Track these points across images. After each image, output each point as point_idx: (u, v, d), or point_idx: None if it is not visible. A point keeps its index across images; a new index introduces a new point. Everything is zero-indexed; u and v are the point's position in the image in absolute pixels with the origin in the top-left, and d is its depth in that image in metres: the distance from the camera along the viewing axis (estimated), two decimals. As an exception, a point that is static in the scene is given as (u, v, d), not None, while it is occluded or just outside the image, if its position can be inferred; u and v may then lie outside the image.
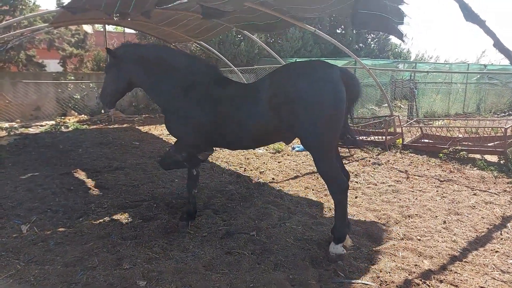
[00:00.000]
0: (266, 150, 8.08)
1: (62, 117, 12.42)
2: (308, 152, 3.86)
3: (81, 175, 6.04)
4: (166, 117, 3.89)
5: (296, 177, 6.08)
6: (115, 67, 3.97)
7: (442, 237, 3.78)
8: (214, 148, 4.13)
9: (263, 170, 6.48)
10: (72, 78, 13.71)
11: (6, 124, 11.15)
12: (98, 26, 17.74)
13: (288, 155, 7.74)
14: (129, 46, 4.08)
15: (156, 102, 4.08)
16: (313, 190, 5.38)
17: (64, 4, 5.05)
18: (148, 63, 3.88)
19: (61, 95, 13.23)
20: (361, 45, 23.16)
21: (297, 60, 13.56)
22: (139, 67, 3.90)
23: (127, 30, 13.25)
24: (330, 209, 4.51)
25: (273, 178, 5.98)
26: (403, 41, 4.50)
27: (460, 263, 3.27)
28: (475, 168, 6.42)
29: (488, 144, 7.29)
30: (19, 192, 5.08)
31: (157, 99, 4.01)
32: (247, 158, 7.38)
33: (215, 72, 3.89)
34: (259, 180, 5.86)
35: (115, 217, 4.29)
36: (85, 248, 3.47)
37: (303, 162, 7.07)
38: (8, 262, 3.21)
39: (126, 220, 4.17)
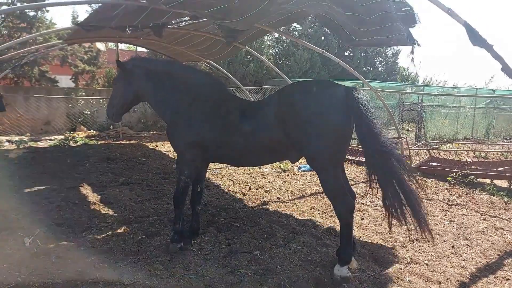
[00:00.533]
0: (272, 169, 8.05)
1: (72, 132, 12.59)
2: (314, 172, 3.81)
3: (87, 189, 6.06)
4: (170, 131, 3.88)
5: (301, 197, 6.03)
6: (123, 79, 4.02)
7: (450, 262, 3.68)
8: (219, 165, 4.11)
9: (268, 189, 6.44)
10: (83, 94, 13.98)
11: (16, 138, 11.33)
12: (111, 44, 18.18)
13: (294, 174, 7.70)
14: (138, 59, 4.15)
15: (161, 116, 4.09)
16: (318, 210, 5.32)
17: (79, 22, 5.22)
18: (156, 77, 3.92)
19: (71, 110, 13.46)
20: (369, 67, 23.36)
21: (305, 81, 13.65)
22: (147, 80, 3.94)
23: (139, 49, 13.55)
24: (336, 231, 4.43)
25: (278, 198, 5.93)
26: (417, 43, 4.39)
27: (469, 290, 3.17)
28: (484, 193, 6.30)
29: (498, 169, 7.18)
30: (25, 204, 5.10)
31: (162, 113, 4.00)
32: (253, 177, 7.35)
33: (222, 88, 3.92)
34: (264, 199, 5.81)
35: (118, 232, 4.26)
36: (87, 262, 3.44)
37: (309, 182, 7.02)
38: (9, 274, 3.18)
39: (129, 235, 4.13)
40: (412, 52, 4.43)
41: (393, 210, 3.03)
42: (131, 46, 15.58)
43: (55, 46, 10.47)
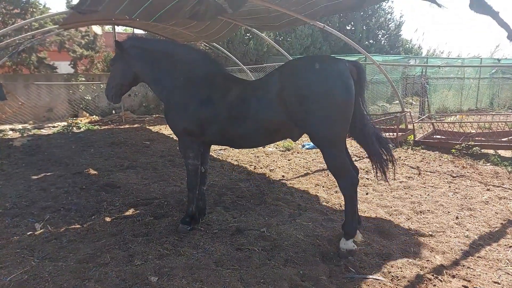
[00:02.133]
0: (276, 148, 8.07)
1: (74, 118, 12.61)
2: (318, 150, 3.83)
3: (93, 174, 6.13)
4: (168, 111, 3.84)
5: (306, 174, 6.06)
6: (121, 60, 3.96)
7: (454, 233, 3.73)
8: (223, 146, 4.08)
9: (273, 168, 6.48)
10: (83, 79, 13.91)
11: (20, 126, 11.38)
12: (108, 27, 17.93)
13: (298, 152, 7.72)
14: (136, 39, 4.08)
15: (158, 96, 4.04)
16: (323, 187, 5.36)
17: (73, 5, 5.11)
18: (153, 57, 3.86)
19: (72, 97, 13.43)
20: (371, 41, 22.95)
21: (306, 57, 13.46)
22: (144, 60, 3.88)
23: (136, 31, 13.34)
24: (341, 206, 4.49)
25: (283, 176, 5.97)
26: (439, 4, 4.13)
27: (473, 258, 3.22)
28: (488, 164, 6.31)
29: (502, 139, 7.15)
30: (33, 191, 5.18)
31: (160, 92, 3.94)
32: (257, 156, 7.38)
33: (220, 68, 3.86)
34: (269, 178, 5.85)
35: (126, 214, 4.34)
36: (97, 245, 3.52)
37: (313, 160, 7.04)
38: (23, 259, 3.27)
39: (138, 217, 4.21)
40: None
41: (377, 162, 3.59)
42: (128, 28, 15.37)
43: (52, 31, 10.33)
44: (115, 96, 4.13)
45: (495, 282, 2.86)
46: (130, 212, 4.42)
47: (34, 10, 13.51)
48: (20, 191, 5.17)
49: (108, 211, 4.46)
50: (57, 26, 8.88)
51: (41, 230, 3.90)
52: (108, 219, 4.21)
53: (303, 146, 8.14)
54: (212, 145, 4.23)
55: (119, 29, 16.13)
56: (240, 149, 7.77)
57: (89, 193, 5.10)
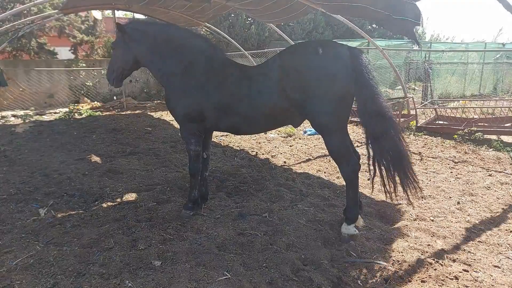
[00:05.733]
0: (278, 134, 8.06)
1: (76, 104, 12.57)
2: (320, 136, 3.79)
3: (95, 160, 6.15)
4: (168, 96, 3.81)
5: (308, 160, 6.07)
6: (123, 43, 3.92)
7: (455, 218, 3.75)
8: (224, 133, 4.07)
9: (274, 154, 6.48)
10: (84, 65, 13.82)
11: (21, 112, 11.37)
12: (108, 12, 17.70)
13: (299, 139, 7.71)
14: (137, 22, 4.05)
15: (159, 80, 4.00)
16: (325, 173, 5.37)
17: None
18: (154, 41, 3.81)
19: (73, 83, 13.37)
20: (374, 26, 22.59)
21: (308, 42, 13.32)
22: (144, 44, 3.83)
23: (136, 15, 13.18)
24: (342, 191, 4.50)
25: (284, 162, 5.98)
26: (418, 43, 4.29)
27: (473, 243, 3.25)
28: (490, 149, 6.29)
29: (505, 125, 7.12)
30: (36, 177, 5.21)
31: (160, 77, 3.91)
32: (259, 143, 7.38)
33: (219, 53, 3.80)
34: (271, 164, 5.86)
35: (129, 200, 4.37)
36: (101, 230, 3.55)
37: (314, 146, 7.04)
38: (28, 243, 3.31)
39: (141, 203, 4.24)
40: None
41: (381, 170, 3.15)
42: (128, 13, 15.16)
43: (51, 16, 10.22)
44: (116, 79, 4.10)
45: (495, 266, 2.88)
46: (133, 197, 4.45)
47: (33, -6, 13.33)
48: (24, 177, 5.20)
49: (111, 196, 4.49)
50: (56, 11, 8.76)
51: (45, 216, 3.93)
52: (111, 204, 4.24)
53: (305, 132, 8.13)
54: (214, 131, 4.22)
55: (119, 13, 15.90)
56: (241, 135, 7.76)
57: (92, 179, 5.12)
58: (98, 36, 16.01)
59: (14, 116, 10.95)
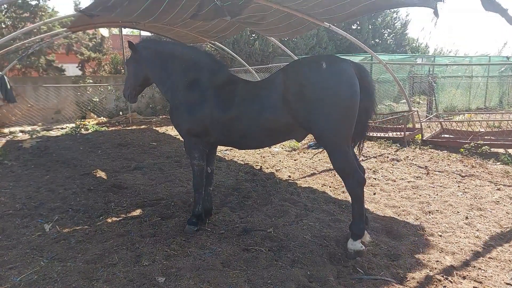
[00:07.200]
0: (282, 148, 8.05)
1: (82, 120, 12.71)
2: (324, 150, 3.77)
3: (100, 175, 6.17)
4: (173, 111, 3.87)
5: (312, 174, 6.04)
6: (135, 61, 4.09)
7: (464, 233, 3.68)
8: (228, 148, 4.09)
9: (279, 168, 6.46)
10: (91, 81, 14.03)
11: (29, 128, 11.51)
12: (115, 30, 18.07)
13: (304, 152, 7.70)
14: (147, 41, 4.21)
15: (165, 96, 4.10)
16: (330, 187, 5.33)
17: (81, 8, 5.16)
18: (161, 58, 3.93)
19: (80, 98, 13.55)
20: (377, 40, 22.81)
21: (312, 57, 13.44)
22: (153, 61, 3.97)
23: (143, 33, 13.43)
24: (348, 206, 4.45)
25: (289, 176, 5.95)
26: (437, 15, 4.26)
27: (484, 259, 3.17)
28: (498, 163, 6.22)
29: (512, 138, 7.05)
30: (42, 192, 5.23)
31: (165, 93, 4.00)
32: (263, 157, 7.37)
33: (224, 69, 3.86)
34: (275, 178, 5.84)
35: (134, 215, 4.35)
36: (106, 245, 3.53)
37: (319, 160, 7.01)
38: (33, 259, 3.30)
39: (145, 218, 4.22)
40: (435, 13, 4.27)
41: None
42: (134, 30, 15.46)
43: (60, 34, 10.46)
44: (131, 95, 4.29)
45: (507, 284, 2.81)
46: (137, 212, 4.44)
47: (43, 13, 13.69)
48: (29, 192, 5.22)
49: (116, 211, 4.48)
50: (65, 29, 8.97)
51: (50, 231, 3.93)
52: (115, 219, 4.23)
53: (309, 146, 8.11)
54: (218, 146, 4.23)
55: (126, 31, 16.25)
56: (245, 150, 7.76)
57: (97, 194, 5.13)
58: (105, 53, 16.31)
59: (22, 131, 11.09)
